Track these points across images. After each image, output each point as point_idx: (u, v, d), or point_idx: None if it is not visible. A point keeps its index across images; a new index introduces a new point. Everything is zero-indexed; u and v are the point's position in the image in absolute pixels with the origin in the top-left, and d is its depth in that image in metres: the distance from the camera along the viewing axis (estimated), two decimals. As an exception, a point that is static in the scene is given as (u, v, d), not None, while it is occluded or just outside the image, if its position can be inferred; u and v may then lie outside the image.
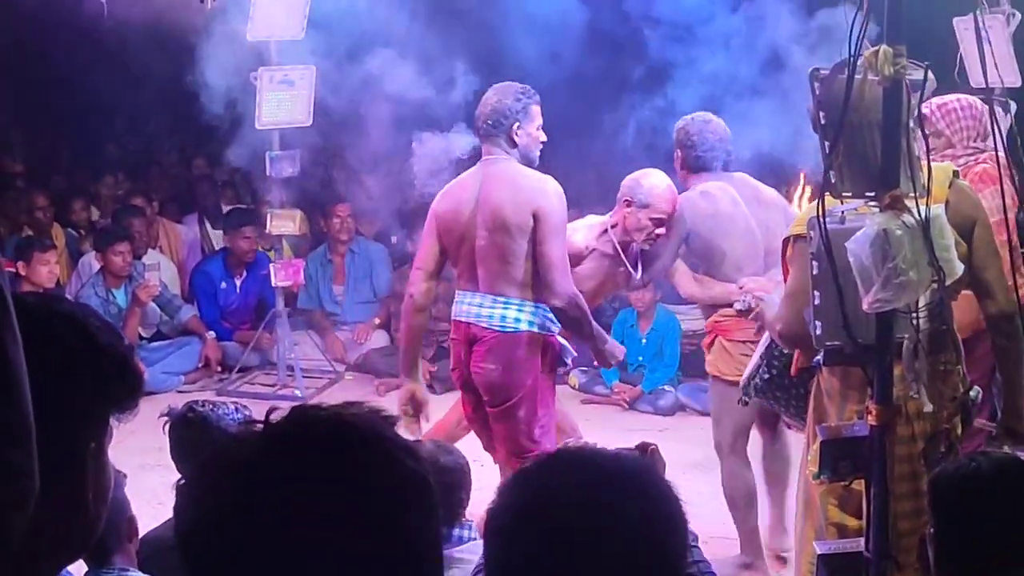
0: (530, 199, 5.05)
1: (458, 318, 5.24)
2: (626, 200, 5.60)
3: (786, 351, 4.42)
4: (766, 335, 4.63)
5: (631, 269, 5.73)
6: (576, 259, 5.56)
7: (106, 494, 1.73)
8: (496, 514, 1.77)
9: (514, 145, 5.16)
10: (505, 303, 5.12)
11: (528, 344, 5.16)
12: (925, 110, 4.86)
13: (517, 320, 5.12)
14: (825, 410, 4.12)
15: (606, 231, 5.70)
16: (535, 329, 5.16)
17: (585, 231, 5.76)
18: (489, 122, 5.16)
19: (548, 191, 5.09)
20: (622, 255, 5.67)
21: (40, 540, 1.59)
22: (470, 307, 5.18)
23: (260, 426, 1.45)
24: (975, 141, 4.97)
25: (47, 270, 8.46)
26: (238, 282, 9.55)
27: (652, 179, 5.61)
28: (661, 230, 5.56)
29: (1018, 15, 6.27)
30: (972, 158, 4.93)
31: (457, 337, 5.27)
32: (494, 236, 5.07)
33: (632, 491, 1.74)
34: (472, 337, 5.17)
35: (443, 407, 6.23)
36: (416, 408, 5.40)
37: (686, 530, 1.79)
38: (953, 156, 4.95)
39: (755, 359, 4.63)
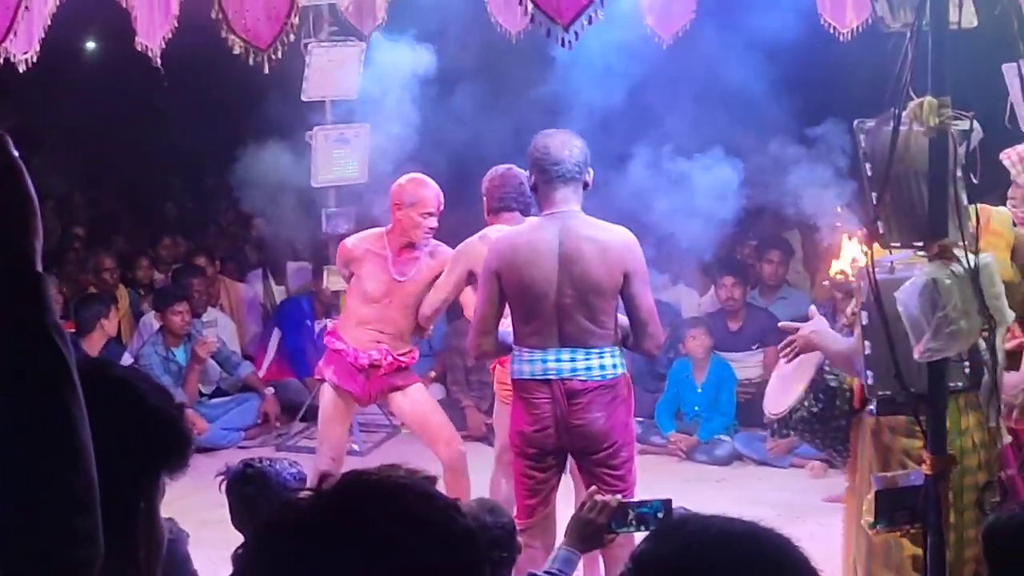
0: (621, 259, 5.04)
1: (546, 376, 5.11)
2: (396, 204, 6.35)
3: (832, 384, 4.46)
4: (790, 366, 4.64)
5: (393, 273, 6.41)
6: (352, 261, 6.51)
7: (159, 551, 1.78)
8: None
9: (583, 190, 5.17)
10: (599, 353, 5.09)
11: (625, 385, 5.20)
12: (1005, 161, 4.87)
13: (614, 366, 5.12)
14: (888, 446, 4.13)
15: (382, 237, 6.47)
16: (625, 370, 5.20)
17: (357, 238, 6.66)
18: (579, 165, 5.08)
19: (633, 246, 5.11)
20: (390, 258, 6.41)
21: None
22: (559, 363, 5.08)
23: (311, 493, 1.48)
24: None
25: (107, 324, 8.66)
26: (317, 327, 9.67)
27: (412, 181, 6.37)
28: (433, 222, 6.30)
29: (1068, 59, 6.24)
30: None
31: (545, 396, 5.12)
32: (584, 296, 5.03)
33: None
34: (569, 391, 5.07)
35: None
36: None
37: None
38: None
39: (797, 391, 4.60)
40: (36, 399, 1.48)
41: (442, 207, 6.35)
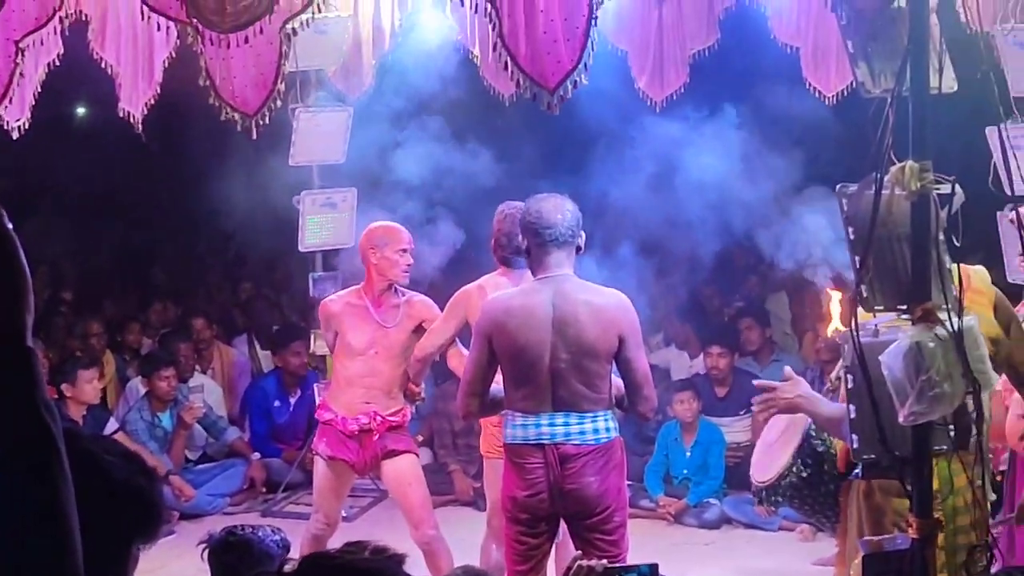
0: (615, 322, 5.05)
1: (539, 440, 5.10)
2: (370, 250, 6.43)
3: (820, 449, 4.46)
4: (774, 433, 4.65)
5: (377, 320, 6.43)
6: (332, 317, 6.53)
7: None
8: None
9: (577, 253, 5.20)
10: (593, 417, 5.08)
11: (619, 449, 5.18)
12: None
13: (607, 430, 5.11)
14: (881, 508, 4.12)
15: (358, 291, 6.56)
16: (618, 434, 5.19)
17: (335, 296, 6.76)
18: (572, 229, 5.12)
19: (627, 309, 5.11)
20: (370, 308, 6.45)
21: None
22: (553, 428, 5.07)
23: None
24: None
25: (90, 388, 8.50)
26: (292, 400, 9.62)
27: (380, 224, 6.52)
28: (409, 258, 6.41)
29: (1051, 122, 6.29)
30: None
31: (539, 460, 5.10)
32: (578, 360, 5.03)
33: None
34: (563, 456, 5.05)
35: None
36: None
37: None
38: None
39: (784, 458, 4.59)
40: (24, 477, 1.48)
41: (413, 245, 6.46)
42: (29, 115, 6.02)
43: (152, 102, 6.26)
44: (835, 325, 5.02)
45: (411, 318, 6.45)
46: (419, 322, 6.42)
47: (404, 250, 6.39)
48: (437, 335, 6.24)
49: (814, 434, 4.50)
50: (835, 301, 5.12)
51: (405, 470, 6.53)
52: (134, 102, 6.21)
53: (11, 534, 1.46)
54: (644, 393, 5.13)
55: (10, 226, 1.58)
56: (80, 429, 7.04)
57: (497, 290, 5.90)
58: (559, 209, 5.15)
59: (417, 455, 6.76)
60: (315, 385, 8.73)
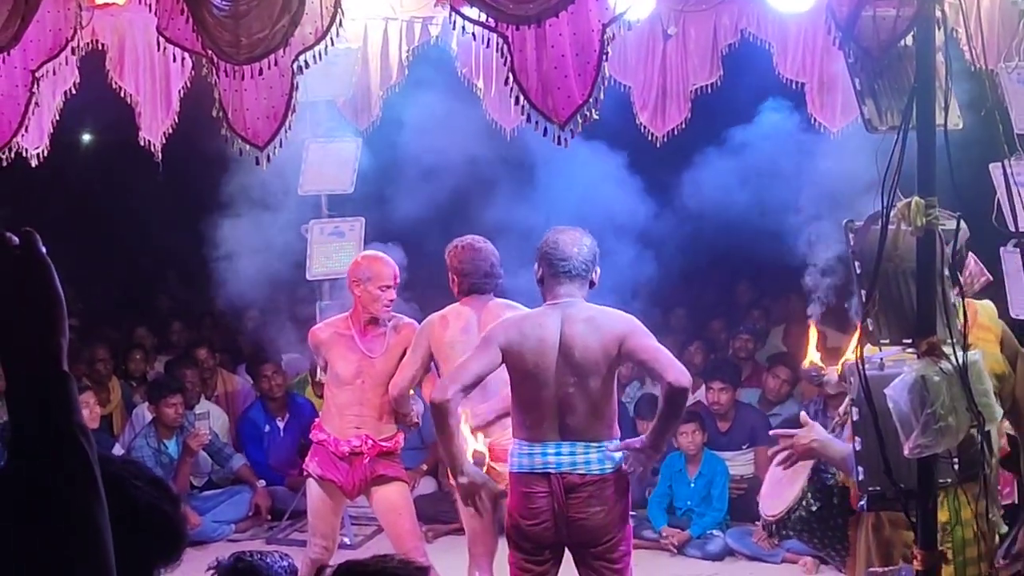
0: (614, 329, 5.09)
1: (545, 470, 5.14)
2: (354, 282, 6.45)
3: (829, 483, 4.50)
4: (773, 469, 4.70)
5: (363, 350, 6.45)
6: (320, 345, 6.56)
7: None
8: None
9: (590, 288, 5.26)
10: (599, 447, 5.11)
11: (624, 478, 5.21)
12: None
13: (613, 459, 5.14)
14: (890, 540, 4.15)
15: (346, 319, 6.55)
16: (623, 464, 5.20)
17: (324, 323, 6.79)
18: (587, 264, 5.20)
19: (630, 317, 5.18)
20: (356, 338, 6.46)
21: None
22: (559, 457, 5.11)
23: None
24: None
25: (87, 412, 8.49)
26: (280, 424, 9.64)
27: (366, 257, 6.57)
28: (391, 294, 6.42)
29: (1054, 160, 6.34)
30: None
31: (544, 489, 5.15)
32: (585, 381, 5.06)
33: None
34: (569, 486, 5.10)
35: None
36: (478, 492, 5.39)
37: None
38: None
39: (793, 492, 4.63)
40: (62, 500, 1.50)
41: (399, 280, 6.48)
42: (48, 143, 6.09)
43: (170, 131, 6.33)
44: (811, 357, 5.09)
45: (399, 343, 6.49)
46: (406, 346, 6.44)
47: (388, 286, 6.42)
48: (407, 369, 6.31)
49: (823, 468, 4.53)
50: (813, 334, 5.18)
51: (395, 498, 6.58)
52: (154, 131, 6.27)
53: (51, 556, 1.49)
54: (665, 367, 5.02)
55: (43, 249, 1.59)
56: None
57: (460, 319, 6.09)
58: (576, 243, 5.21)
59: (407, 482, 6.80)
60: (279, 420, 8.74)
